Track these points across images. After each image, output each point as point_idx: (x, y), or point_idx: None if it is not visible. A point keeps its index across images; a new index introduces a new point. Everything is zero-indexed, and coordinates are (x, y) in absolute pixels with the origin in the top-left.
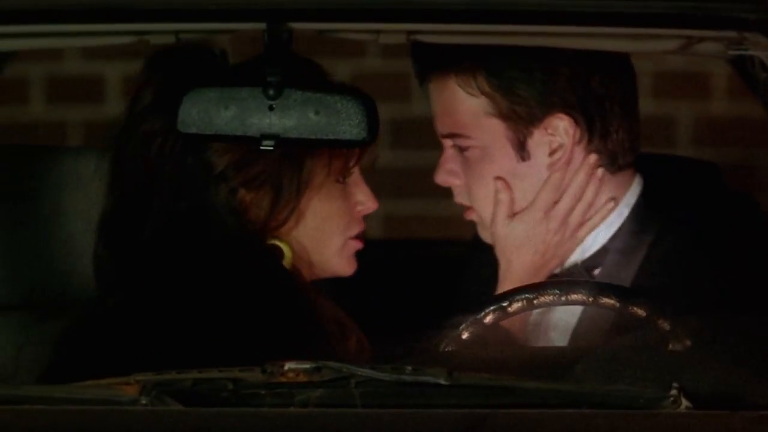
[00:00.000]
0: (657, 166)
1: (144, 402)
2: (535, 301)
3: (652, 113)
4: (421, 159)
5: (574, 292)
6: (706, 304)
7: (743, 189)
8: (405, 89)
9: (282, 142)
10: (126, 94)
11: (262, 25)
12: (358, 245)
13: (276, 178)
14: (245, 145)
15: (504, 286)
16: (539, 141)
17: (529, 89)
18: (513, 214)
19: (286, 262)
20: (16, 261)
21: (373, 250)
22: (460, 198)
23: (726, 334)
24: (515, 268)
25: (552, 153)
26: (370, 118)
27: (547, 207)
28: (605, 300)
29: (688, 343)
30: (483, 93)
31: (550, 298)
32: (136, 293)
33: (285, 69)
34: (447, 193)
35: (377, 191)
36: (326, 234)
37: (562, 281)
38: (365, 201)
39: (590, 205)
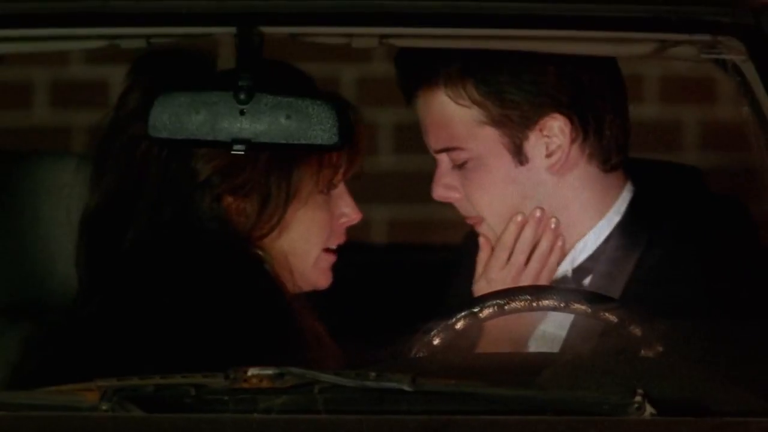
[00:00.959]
0: (644, 172)
1: (104, 408)
2: (506, 307)
3: (658, 118)
4: (425, 164)
5: (546, 298)
6: (694, 310)
7: (743, 193)
8: None
9: (253, 146)
10: None
11: (233, 29)
12: (333, 258)
13: (264, 186)
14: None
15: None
16: (535, 143)
17: (519, 92)
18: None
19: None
20: None
21: (377, 255)
22: (464, 211)
23: (696, 340)
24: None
25: (550, 155)
26: (342, 122)
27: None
28: (576, 306)
29: (660, 349)
30: (474, 102)
31: (522, 303)
32: (114, 300)
33: (256, 73)
34: None
35: (381, 196)
36: (308, 245)
37: (533, 287)
38: (350, 213)
39: (585, 206)
